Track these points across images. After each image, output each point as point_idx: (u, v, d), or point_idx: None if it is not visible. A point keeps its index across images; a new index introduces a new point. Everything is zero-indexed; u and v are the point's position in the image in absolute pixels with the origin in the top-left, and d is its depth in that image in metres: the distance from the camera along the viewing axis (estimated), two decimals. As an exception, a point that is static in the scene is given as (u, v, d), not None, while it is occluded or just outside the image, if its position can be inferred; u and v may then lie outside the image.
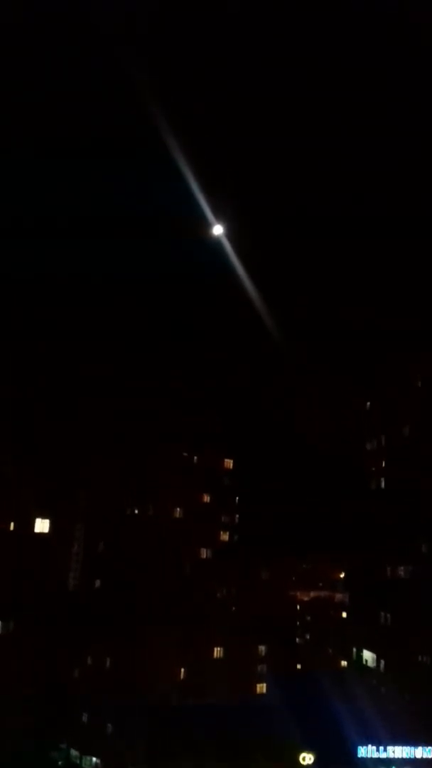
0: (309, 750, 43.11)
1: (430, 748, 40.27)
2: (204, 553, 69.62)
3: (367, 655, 63.59)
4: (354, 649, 66.85)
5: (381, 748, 40.62)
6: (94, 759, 53.23)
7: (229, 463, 73.77)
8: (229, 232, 43.77)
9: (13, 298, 61.53)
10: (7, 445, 63.57)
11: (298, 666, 77.14)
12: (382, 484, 64.17)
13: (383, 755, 40.53)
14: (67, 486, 67.10)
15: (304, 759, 42.68)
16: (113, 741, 50.42)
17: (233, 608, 69.28)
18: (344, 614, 78.88)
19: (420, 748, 40.30)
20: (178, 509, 69.11)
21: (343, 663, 71.89)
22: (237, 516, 73.76)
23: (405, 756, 40.42)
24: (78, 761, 54.38)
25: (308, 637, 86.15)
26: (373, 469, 65.77)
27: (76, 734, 55.00)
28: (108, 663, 60.90)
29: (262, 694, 65.06)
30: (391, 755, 40.38)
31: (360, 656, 65.12)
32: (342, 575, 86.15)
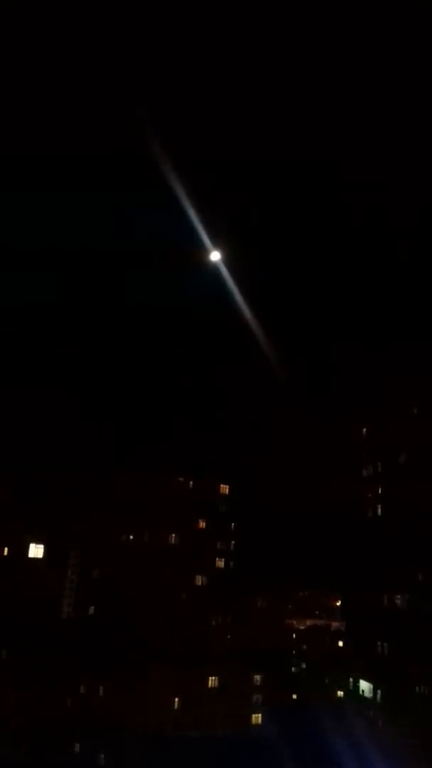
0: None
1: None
2: (199, 579, 68.91)
3: (364, 686, 62.74)
4: (350, 679, 66.00)
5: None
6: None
7: (225, 488, 73.31)
8: (227, 258, 43.77)
9: (11, 329, 61.66)
10: (1, 469, 63.34)
11: (294, 696, 76.07)
12: (379, 511, 63.81)
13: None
14: (62, 510, 66.72)
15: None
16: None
17: (228, 636, 68.40)
18: (341, 643, 77.99)
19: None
20: (174, 535, 68.56)
21: (340, 693, 70.92)
22: (233, 542, 73.09)
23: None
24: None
25: (304, 666, 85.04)
26: (370, 495, 65.43)
27: (69, 765, 54.02)
28: (101, 692, 60.02)
29: (257, 725, 64.04)
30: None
31: (356, 686, 64.26)
32: (338, 603, 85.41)
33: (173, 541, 68.32)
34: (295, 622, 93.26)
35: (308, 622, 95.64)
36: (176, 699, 61.48)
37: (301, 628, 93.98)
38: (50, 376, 65.59)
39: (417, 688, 52.59)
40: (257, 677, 67.74)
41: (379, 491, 64.20)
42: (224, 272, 45.79)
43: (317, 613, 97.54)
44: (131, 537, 68.39)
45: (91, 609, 66.44)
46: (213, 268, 43.55)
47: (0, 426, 63.00)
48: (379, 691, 59.55)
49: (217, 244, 41.31)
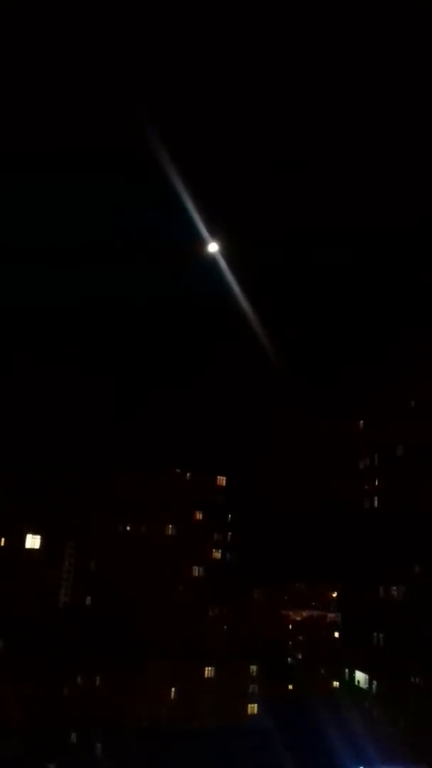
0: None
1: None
2: (196, 571, 69.25)
3: (360, 676, 63.30)
4: (346, 670, 66.56)
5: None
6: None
7: (222, 480, 73.52)
8: (225, 249, 43.58)
9: (8, 322, 61.67)
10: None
11: (290, 687, 76.68)
12: (375, 503, 64.15)
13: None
14: (59, 502, 66.94)
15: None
16: (102, 764, 49.89)
17: (224, 627, 68.84)
18: (336, 634, 78.54)
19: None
20: (170, 526, 68.85)
21: (335, 684, 71.50)
22: (230, 534, 73.40)
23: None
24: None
25: (300, 657, 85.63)
26: (367, 487, 65.72)
27: (65, 757, 54.31)
28: (97, 683, 60.37)
29: (252, 716, 64.56)
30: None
31: (352, 677, 64.82)
32: (335, 595, 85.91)
33: (170, 532, 68.63)
34: (291, 613, 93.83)
35: (304, 614, 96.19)
36: (171, 690, 61.93)
37: (297, 619, 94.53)
38: (48, 371, 65.55)
39: (412, 678, 53.12)
40: (253, 668, 68.26)
41: (376, 483, 64.52)
42: (222, 265, 45.79)
43: (313, 604, 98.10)
44: (128, 528, 68.69)
45: (88, 600, 66.79)
46: (211, 261, 43.54)
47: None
48: (374, 682, 60.12)
49: (215, 236, 41.33)
